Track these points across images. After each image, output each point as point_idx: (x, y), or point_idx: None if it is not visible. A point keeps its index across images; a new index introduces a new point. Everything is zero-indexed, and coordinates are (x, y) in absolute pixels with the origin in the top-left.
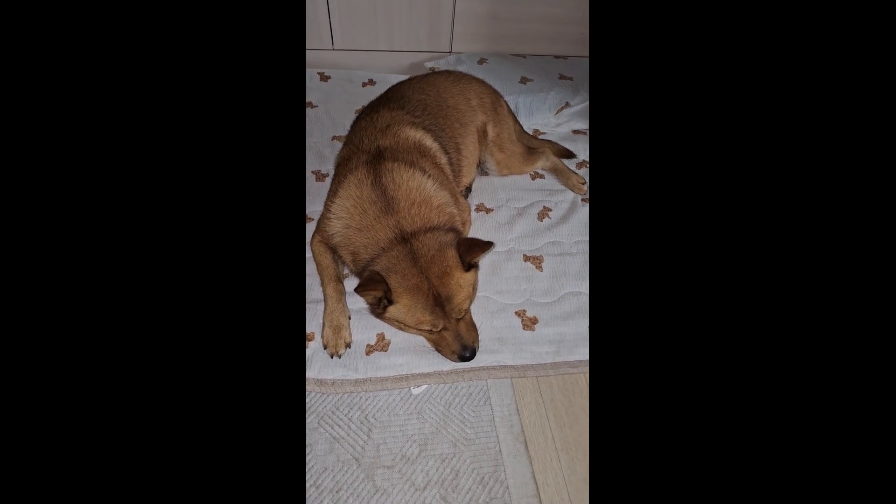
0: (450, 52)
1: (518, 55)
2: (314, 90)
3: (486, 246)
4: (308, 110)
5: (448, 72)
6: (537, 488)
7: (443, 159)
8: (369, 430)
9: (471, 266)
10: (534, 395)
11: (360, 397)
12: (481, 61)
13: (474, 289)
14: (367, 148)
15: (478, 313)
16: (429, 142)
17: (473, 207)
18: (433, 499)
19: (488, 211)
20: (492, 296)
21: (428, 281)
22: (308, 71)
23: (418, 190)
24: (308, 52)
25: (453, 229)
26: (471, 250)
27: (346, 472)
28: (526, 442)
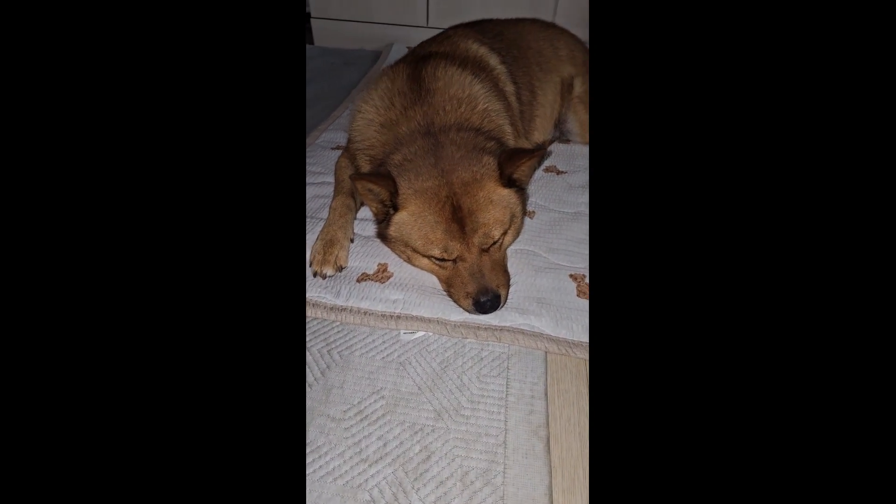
0: None
1: None
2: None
3: (533, 153)
4: None
5: (537, 18)
6: None
7: (508, 87)
8: (327, 367)
9: (512, 182)
10: (575, 383)
11: (332, 328)
12: None
13: (514, 220)
14: (418, 53)
15: (517, 267)
16: (493, 61)
17: (542, 168)
18: (382, 479)
19: (560, 173)
20: (541, 252)
21: (448, 187)
22: (397, 45)
23: (461, 87)
24: (402, 28)
25: (498, 139)
26: (514, 158)
27: None
28: (549, 441)
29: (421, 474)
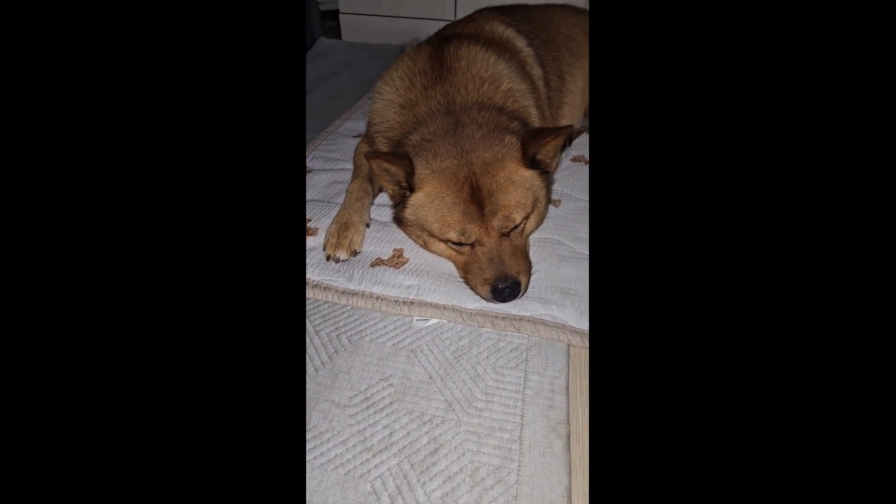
0: None
1: None
2: None
3: (559, 131)
4: None
5: (568, 4)
6: None
7: (535, 70)
8: (335, 351)
9: (536, 164)
10: None
11: (342, 312)
12: None
13: (537, 204)
14: (442, 34)
15: (540, 255)
16: (520, 43)
17: (569, 158)
18: (386, 470)
19: (588, 162)
20: (566, 241)
21: (468, 167)
22: (423, 37)
23: (485, 66)
24: (430, 22)
25: (522, 120)
26: (538, 137)
27: None
28: (569, 439)
29: (428, 467)
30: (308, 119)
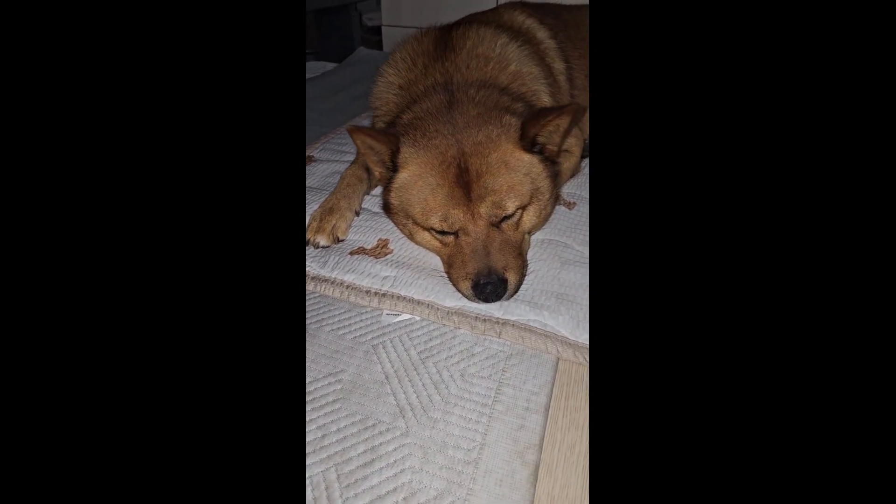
0: None
1: None
2: None
3: (562, 109)
4: None
5: None
6: None
7: (557, 64)
8: None
9: (538, 148)
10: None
11: (308, 299)
12: None
13: (537, 196)
14: (458, 22)
15: (542, 256)
16: (542, 34)
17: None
18: (307, 477)
19: None
20: (574, 245)
21: (457, 146)
22: None
23: (492, 46)
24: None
25: (528, 103)
26: (540, 117)
27: None
28: (537, 469)
29: (356, 481)
30: (330, 116)
